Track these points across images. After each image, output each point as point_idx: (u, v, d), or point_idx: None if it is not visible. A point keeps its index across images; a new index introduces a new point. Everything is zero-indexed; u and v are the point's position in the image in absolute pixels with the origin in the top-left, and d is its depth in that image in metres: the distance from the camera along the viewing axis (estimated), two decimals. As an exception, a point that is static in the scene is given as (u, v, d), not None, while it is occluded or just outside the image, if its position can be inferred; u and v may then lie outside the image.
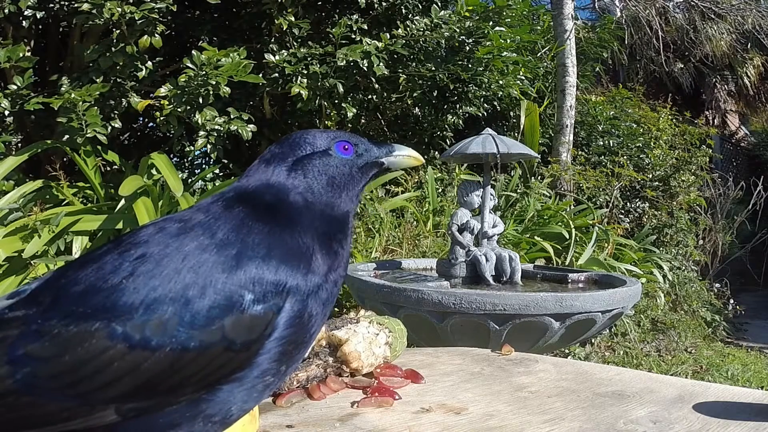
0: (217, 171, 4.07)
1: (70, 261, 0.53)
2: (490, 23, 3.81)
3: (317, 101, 3.22)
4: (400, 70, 3.70)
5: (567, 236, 3.67)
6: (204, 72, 2.71)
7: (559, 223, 3.86)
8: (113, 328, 0.44)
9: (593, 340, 3.39)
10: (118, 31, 2.73)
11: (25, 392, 0.44)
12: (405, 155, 0.63)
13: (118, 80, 2.89)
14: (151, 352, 0.44)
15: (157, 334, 0.45)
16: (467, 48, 3.68)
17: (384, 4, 3.54)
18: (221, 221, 0.51)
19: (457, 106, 4.02)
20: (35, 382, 0.44)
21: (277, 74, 3.19)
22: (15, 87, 2.71)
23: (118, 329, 0.44)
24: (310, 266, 0.51)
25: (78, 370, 0.44)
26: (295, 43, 3.34)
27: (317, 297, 0.51)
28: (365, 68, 3.17)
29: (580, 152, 5.26)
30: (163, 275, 0.46)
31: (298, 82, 3.10)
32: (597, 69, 6.77)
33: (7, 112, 2.75)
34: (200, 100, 2.77)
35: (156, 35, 2.77)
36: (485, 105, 4.34)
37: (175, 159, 4.18)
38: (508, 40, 3.95)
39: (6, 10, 2.74)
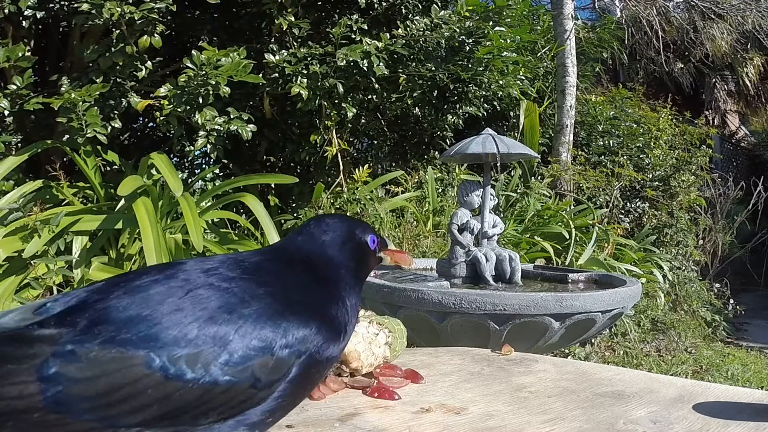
0: (217, 171, 4.07)
1: (104, 282, 0.55)
2: (490, 23, 3.80)
3: (317, 101, 3.22)
4: (400, 70, 3.69)
5: (567, 236, 3.67)
6: (204, 72, 2.71)
7: (559, 223, 3.86)
8: (152, 358, 0.47)
9: (593, 340, 3.39)
10: (117, 31, 2.73)
11: (52, 410, 0.45)
12: (392, 250, 0.78)
13: (118, 80, 2.89)
14: (184, 383, 0.48)
15: (192, 368, 0.48)
16: (467, 48, 3.68)
17: (384, 4, 3.54)
18: (273, 276, 0.58)
19: (457, 106, 4.02)
20: (66, 401, 0.46)
21: (277, 74, 3.19)
22: (15, 87, 2.71)
23: (157, 360, 0.47)
24: (333, 325, 0.59)
25: (110, 394, 0.46)
26: (295, 43, 3.34)
27: (330, 350, 0.58)
28: (365, 68, 3.16)
29: (580, 152, 5.26)
30: (207, 316, 0.50)
31: (298, 82, 3.10)
32: (597, 69, 6.77)
33: (6, 112, 2.75)
34: (200, 100, 2.77)
35: (156, 35, 2.77)
36: (485, 105, 4.34)
37: (175, 159, 4.17)
38: (508, 40, 3.95)
39: (6, 10, 2.74)
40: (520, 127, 4.98)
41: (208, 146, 2.82)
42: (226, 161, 3.91)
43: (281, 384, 0.52)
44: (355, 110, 3.43)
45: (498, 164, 2.41)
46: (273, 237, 2.69)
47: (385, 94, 3.87)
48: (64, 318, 0.49)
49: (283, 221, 3.45)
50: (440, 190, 4.09)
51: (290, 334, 0.53)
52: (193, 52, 2.76)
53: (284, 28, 3.20)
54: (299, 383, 0.54)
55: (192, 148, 2.91)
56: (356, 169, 3.77)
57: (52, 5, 2.90)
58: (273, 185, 3.86)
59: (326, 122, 3.50)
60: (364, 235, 0.71)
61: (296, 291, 0.58)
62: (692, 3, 8.96)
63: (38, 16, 2.86)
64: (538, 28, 5.74)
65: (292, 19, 3.19)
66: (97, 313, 0.49)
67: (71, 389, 0.45)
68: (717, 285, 5.01)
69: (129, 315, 0.49)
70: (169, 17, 2.90)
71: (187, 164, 4.38)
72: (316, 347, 0.55)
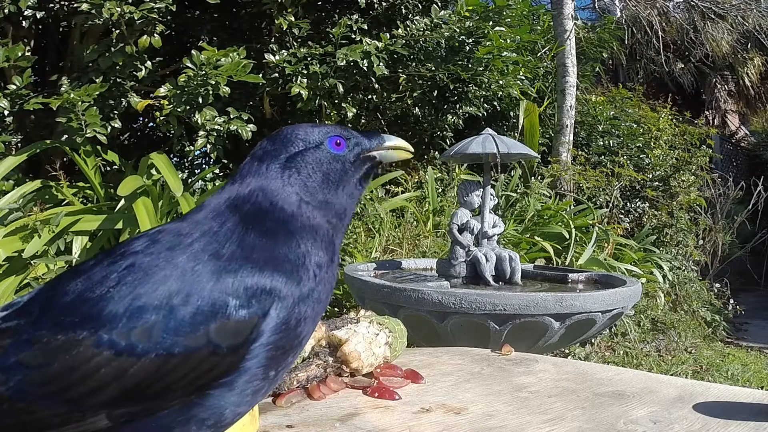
0: (217, 171, 4.07)
1: (60, 273, 0.56)
2: (490, 23, 3.80)
3: (317, 101, 3.22)
4: (400, 70, 3.69)
5: (567, 236, 3.67)
6: (204, 72, 2.71)
7: (559, 223, 3.86)
8: (99, 335, 0.46)
9: (593, 340, 3.39)
10: (117, 31, 2.73)
11: (18, 399, 0.46)
12: (395, 145, 0.63)
13: (118, 80, 2.89)
14: (137, 357, 0.46)
15: (142, 340, 0.47)
16: (467, 48, 3.68)
17: (384, 4, 3.54)
18: (213, 231, 0.52)
19: (457, 106, 4.02)
20: (27, 389, 0.46)
21: (277, 74, 3.19)
22: (14, 87, 2.71)
23: (104, 336, 0.46)
24: (299, 273, 0.52)
25: (67, 377, 0.46)
26: (295, 43, 3.34)
27: (306, 303, 0.52)
28: (365, 68, 3.16)
29: (580, 152, 5.25)
30: (147, 284, 0.48)
31: (298, 82, 3.10)
32: (597, 69, 6.77)
33: (6, 112, 2.75)
34: (200, 100, 2.77)
35: (156, 35, 2.77)
36: (485, 105, 4.34)
37: (175, 159, 4.17)
38: (508, 40, 3.95)
39: (6, 10, 2.74)
40: (520, 127, 4.98)
41: (208, 146, 2.82)
42: (226, 161, 3.91)
43: (253, 348, 0.49)
44: (355, 110, 3.43)
45: (498, 164, 2.41)
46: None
47: (385, 94, 3.87)
48: (24, 310, 0.51)
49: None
50: (440, 190, 4.09)
51: (241, 294, 0.48)
52: (193, 52, 2.76)
53: (284, 28, 3.20)
54: (275, 345, 0.50)
55: (192, 148, 2.91)
56: (356, 169, 3.76)
57: (52, 5, 2.90)
58: (273, 185, 3.85)
59: (326, 122, 3.50)
60: (319, 139, 0.57)
61: (236, 244, 0.51)
62: (692, 3, 8.96)
63: (38, 16, 2.86)
64: (538, 28, 5.74)
65: (292, 19, 3.19)
66: (48, 300, 0.50)
67: (30, 377, 0.46)
68: (717, 285, 5.01)
69: (73, 298, 0.49)
70: (169, 17, 2.90)
71: (187, 164, 4.38)
72: (278, 303, 0.50)
